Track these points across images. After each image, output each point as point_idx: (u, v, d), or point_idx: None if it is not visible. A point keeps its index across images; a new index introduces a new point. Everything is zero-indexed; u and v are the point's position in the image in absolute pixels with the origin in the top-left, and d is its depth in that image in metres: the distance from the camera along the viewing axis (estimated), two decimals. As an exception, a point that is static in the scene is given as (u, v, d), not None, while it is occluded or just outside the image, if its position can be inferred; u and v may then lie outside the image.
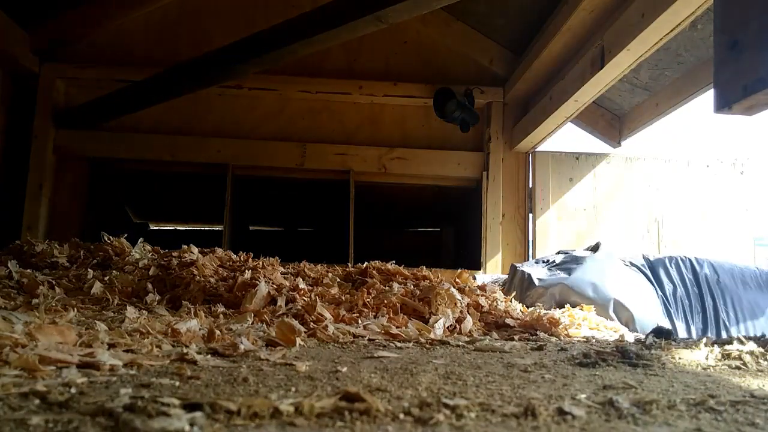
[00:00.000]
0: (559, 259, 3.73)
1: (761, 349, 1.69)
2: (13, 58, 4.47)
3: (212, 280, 2.87)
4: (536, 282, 3.50)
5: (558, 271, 3.56)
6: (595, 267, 3.42)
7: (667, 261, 3.51)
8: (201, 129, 4.93)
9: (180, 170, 5.00)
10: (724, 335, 3.16)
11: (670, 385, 1.27)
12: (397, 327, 2.31)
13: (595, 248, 3.75)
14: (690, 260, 3.51)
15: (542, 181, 4.99)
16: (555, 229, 4.92)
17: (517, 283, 3.67)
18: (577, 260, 3.57)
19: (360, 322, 2.34)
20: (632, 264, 3.53)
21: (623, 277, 3.39)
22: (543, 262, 3.80)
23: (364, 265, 3.56)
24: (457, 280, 3.76)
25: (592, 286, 3.25)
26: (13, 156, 4.69)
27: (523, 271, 3.65)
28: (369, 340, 2.06)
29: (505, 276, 4.22)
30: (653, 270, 3.47)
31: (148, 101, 4.47)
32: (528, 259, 4.69)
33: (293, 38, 3.67)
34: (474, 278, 4.54)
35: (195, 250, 3.43)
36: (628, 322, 3.08)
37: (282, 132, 5.00)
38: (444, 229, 6.31)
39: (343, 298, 2.74)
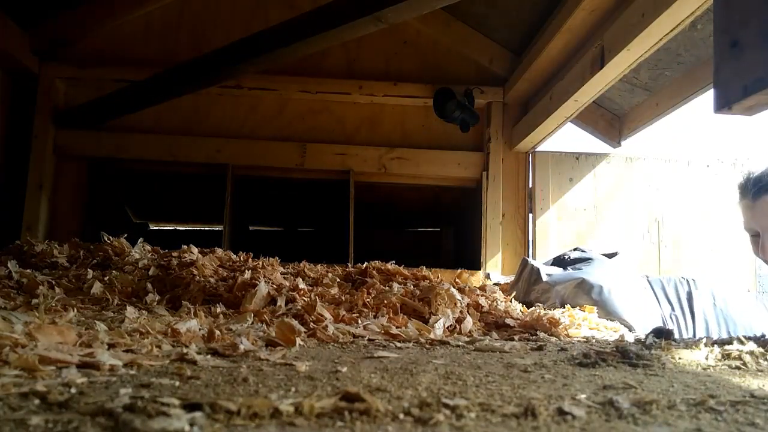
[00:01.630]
0: (574, 255, 3.73)
1: (761, 349, 1.69)
2: (13, 58, 4.46)
3: (212, 280, 2.87)
4: (544, 277, 3.49)
5: (570, 269, 3.56)
6: (608, 272, 3.42)
7: (664, 282, 3.54)
8: (201, 129, 4.93)
9: (180, 170, 5.00)
10: None
11: (670, 385, 1.27)
12: (397, 327, 2.31)
13: (611, 256, 3.76)
14: (687, 281, 3.53)
15: (542, 181, 4.99)
16: (555, 229, 4.92)
17: (525, 277, 3.66)
18: (591, 262, 3.57)
19: (360, 322, 2.34)
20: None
21: (634, 287, 3.39)
22: (557, 260, 3.80)
23: (364, 265, 3.56)
24: (457, 280, 3.77)
25: (600, 290, 3.24)
26: (13, 156, 4.69)
27: (532, 265, 3.65)
28: (369, 340, 2.06)
29: None
30: (652, 290, 3.51)
31: (148, 101, 4.47)
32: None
33: (293, 38, 3.67)
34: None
35: (195, 250, 3.43)
36: (630, 329, 3.09)
37: (282, 132, 5.00)
38: (444, 229, 6.31)
39: (343, 298, 2.74)
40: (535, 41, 4.44)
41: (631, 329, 3.04)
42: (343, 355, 1.67)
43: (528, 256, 4.80)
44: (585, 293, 3.26)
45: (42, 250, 3.32)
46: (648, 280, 3.57)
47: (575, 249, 3.87)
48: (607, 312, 3.14)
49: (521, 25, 4.63)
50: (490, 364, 1.53)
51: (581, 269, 3.48)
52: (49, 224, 4.71)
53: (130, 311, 2.15)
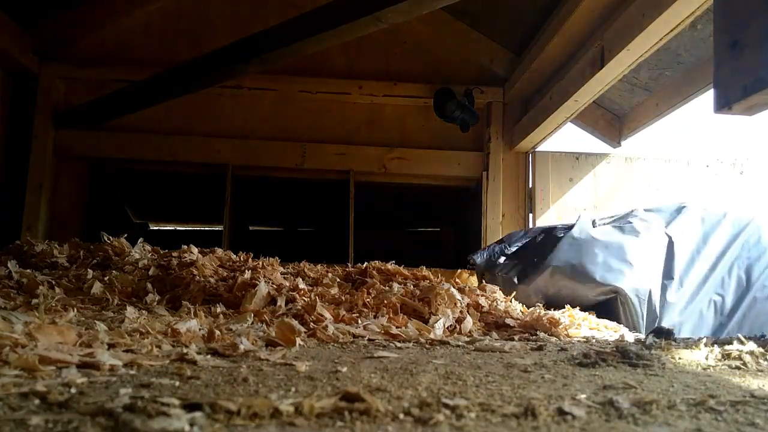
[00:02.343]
0: (539, 239, 3.68)
1: (761, 349, 1.69)
2: (13, 58, 4.47)
3: (212, 280, 2.87)
4: (516, 281, 3.49)
5: (535, 259, 3.52)
6: (573, 245, 3.35)
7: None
8: (201, 129, 4.93)
9: (180, 170, 5.00)
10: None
11: (670, 385, 1.27)
12: (397, 327, 2.31)
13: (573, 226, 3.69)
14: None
15: (542, 181, 4.99)
16: (555, 229, 4.91)
17: (501, 284, 3.63)
18: (553, 241, 3.49)
19: (360, 322, 2.34)
20: (614, 222, 3.47)
21: (605, 244, 3.29)
22: (506, 248, 3.76)
23: (364, 265, 3.56)
24: (457, 280, 3.76)
25: (572, 267, 3.23)
26: (13, 156, 4.69)
27: (502, 275, 3.63)
28: (369, 340, 2.05)
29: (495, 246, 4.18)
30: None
31: (148, 101, 4.47)
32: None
33: (293, 38, 3.67)
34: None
35: (195, 250, 3.42)
36: (618, 292, 3.07)
37: (282, 132, 5.00)
38: (444, 229, 6.31)
39: (343, 298, 2.74)
40: (535, 41, 4.44)
41: (619, 292, 3.03)
42: (343, 355, 1.67)
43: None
44: (561, 275, 3.26)
45: (42, 250, 3.32)
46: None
47: (541, 232, 3.78)
48: (593, 286, 3.13)
49: (521, 25, 4.64)
50: (490, 364, 1.53)
51: (547, 253, 3.39)
52: (49, 224, 4.72)
53: (130, 311, 2.15)
